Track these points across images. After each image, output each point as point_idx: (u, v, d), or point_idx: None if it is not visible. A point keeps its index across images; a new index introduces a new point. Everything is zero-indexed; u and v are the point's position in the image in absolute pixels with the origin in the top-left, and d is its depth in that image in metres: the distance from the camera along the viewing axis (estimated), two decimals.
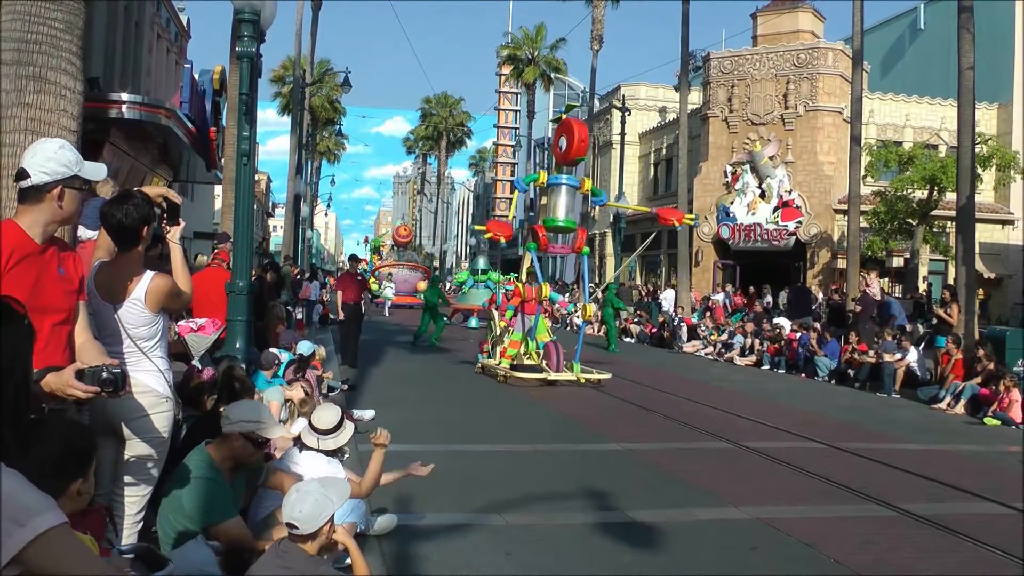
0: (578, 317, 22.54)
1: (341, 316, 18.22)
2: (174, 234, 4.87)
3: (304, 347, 10.69)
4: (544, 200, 18.43)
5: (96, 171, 4.08)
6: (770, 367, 21.36)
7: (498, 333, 17.49)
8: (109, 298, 4.40)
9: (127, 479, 4.53)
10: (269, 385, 8.89)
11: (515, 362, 16.81)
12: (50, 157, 3.89)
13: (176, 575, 3.98)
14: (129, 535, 4.47)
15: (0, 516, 1.98)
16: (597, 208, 52.69)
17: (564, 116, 17.54)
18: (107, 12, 18.89)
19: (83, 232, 6.25)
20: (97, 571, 2.18)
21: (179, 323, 8.02)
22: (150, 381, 4.47)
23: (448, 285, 48.48)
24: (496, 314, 17.95)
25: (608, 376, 16.35)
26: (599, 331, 27.87)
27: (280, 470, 5.37)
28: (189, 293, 4.82)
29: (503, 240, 17.39)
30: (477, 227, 20.45)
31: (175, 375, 5.09)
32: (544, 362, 16.85)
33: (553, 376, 16.07)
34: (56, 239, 4.07)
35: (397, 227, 50.21)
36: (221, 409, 5.02)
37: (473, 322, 30.90)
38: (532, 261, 17.53)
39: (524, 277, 17.73)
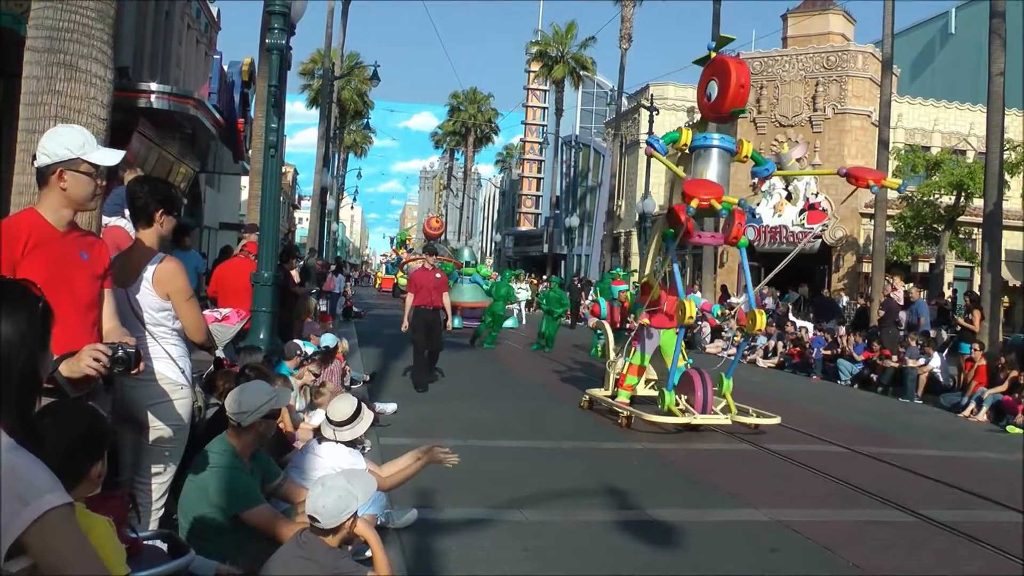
0: (733, 326, 16.22)
1: (406, 326, 14.53)
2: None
3: (328, 339, 10.72)
4: (684, 169, 12.53)
5: (108, 156, 3.97)
6: (792, 370, 21.31)
7: (617, 357, 13.10)
8: (121, 282, 4.42)
9: (147, 466, 4.57)
10: (291, 375, 8.99)
11: (635, 394, 12.73)
12: (53, 139, 3.92)
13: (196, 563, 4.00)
14: (150, 521, 4.51)
15: (6, 493, 1.97)
16: (623, 206, 52.47)
17: (713, 53, 12.10)
18: (137, 2, 18.98)
19: (104, 218, 6.28)
20: (90, 560, 2.15)
21: (204, 312, 8.07)
22: (162, 368, 4.52)
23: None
24: (607, 327, 13.80)
25: (776, 420, 11.75)
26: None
27: (295, 482, 5.32)
28: (202, 328, 4.88)
29: (714, 203, 10.55)
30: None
31: (200, 364, 5.12)
32: (684, 398, 11.87)
33: (700, 419, 11.53)
34: (78, 226, 4.09)
35: (428, 219, 49.52)
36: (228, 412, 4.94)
37: (457, 322, 26.59)
38: (672, 258, 12.19)
39: (649, 276, 12.85)
